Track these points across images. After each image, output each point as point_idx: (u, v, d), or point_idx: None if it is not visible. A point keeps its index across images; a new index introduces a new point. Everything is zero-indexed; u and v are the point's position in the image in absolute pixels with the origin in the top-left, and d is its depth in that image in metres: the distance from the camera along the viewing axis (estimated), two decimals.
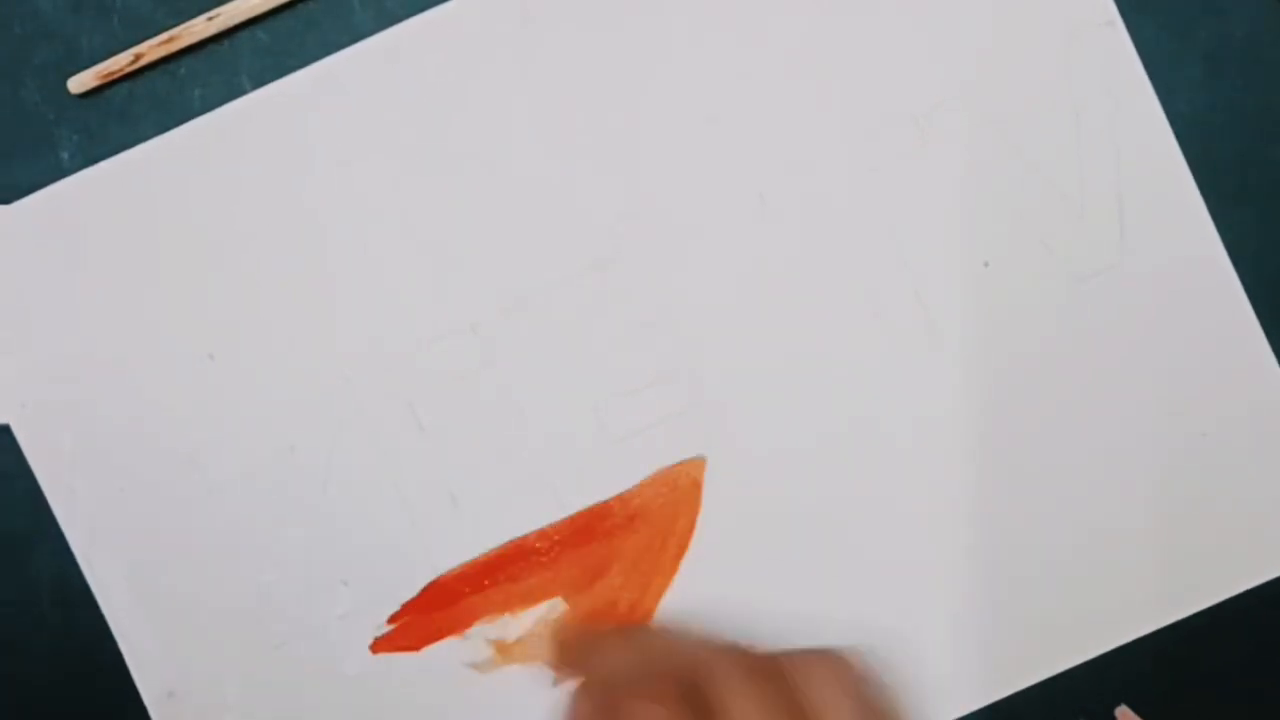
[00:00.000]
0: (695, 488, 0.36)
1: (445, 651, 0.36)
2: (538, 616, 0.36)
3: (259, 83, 0.36)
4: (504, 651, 0.36)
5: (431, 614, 0.36)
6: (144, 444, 0.36)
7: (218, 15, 0.35)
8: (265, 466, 0.36)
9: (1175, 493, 0.35)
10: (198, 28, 0.35)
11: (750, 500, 0.36)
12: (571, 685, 0.33)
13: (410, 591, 0.36)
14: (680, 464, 0.36)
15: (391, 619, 0.36)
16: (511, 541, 0.36)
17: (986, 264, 0.36)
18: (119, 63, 0.35)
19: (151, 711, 0.36)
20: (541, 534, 0.36)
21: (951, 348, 0.36)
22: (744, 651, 0.30)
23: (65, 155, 0.36)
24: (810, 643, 0.35)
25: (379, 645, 0.36)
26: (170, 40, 0.35)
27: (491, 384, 0.36)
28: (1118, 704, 0.36)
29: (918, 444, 0.36)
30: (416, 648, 0.36)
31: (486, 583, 0.36)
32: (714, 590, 0.35)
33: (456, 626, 0.36)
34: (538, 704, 0.36)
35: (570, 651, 0.35)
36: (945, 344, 0.36)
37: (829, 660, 0.29)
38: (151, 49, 0.35)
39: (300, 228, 0.36)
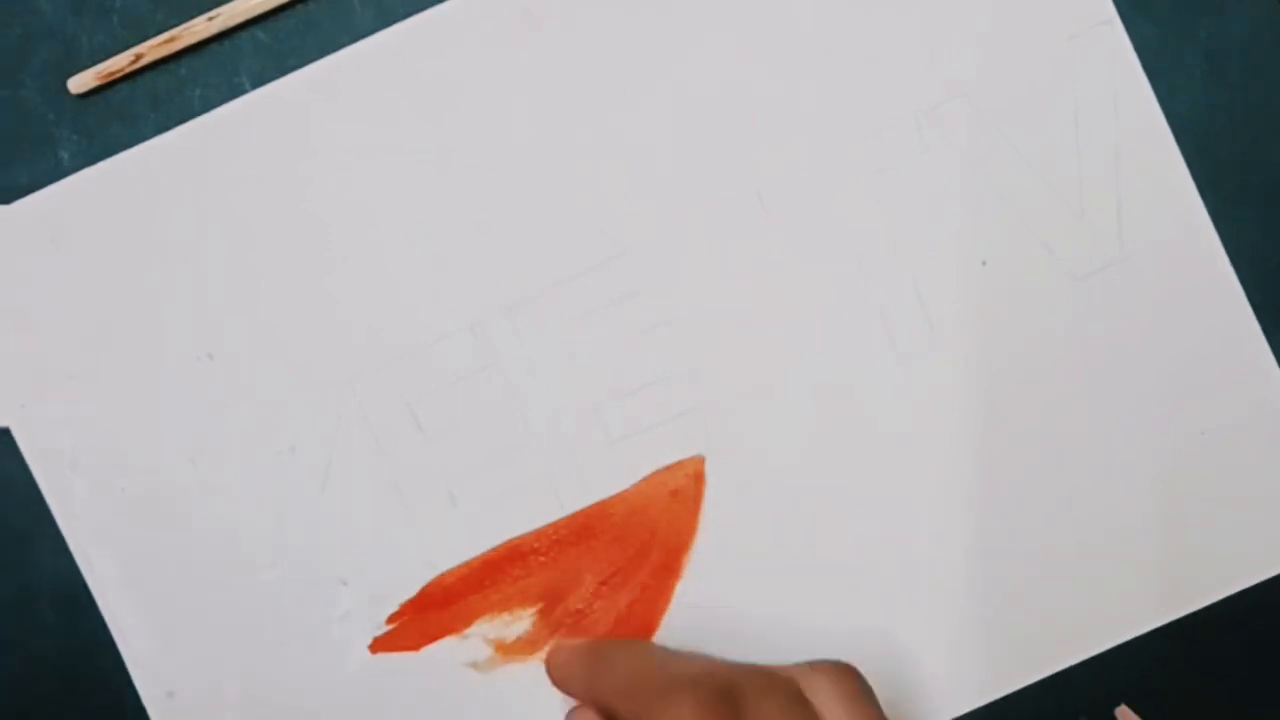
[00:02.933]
0: (696, 486, 0.36)
1: (445, 651, 0.36)
2: (537, 616, 0.36)
3: (259, 83, 0.36)
4: (504, 651, 0.36)
5: (431, 614, 0.36)
6: (144, 444, 0.36)
7: (218, 15, 0.35)
8: (265, 466, 0.36)
9: (1174, 491, 0.35)
10: (198, 28, 0.35)
11: (750, 499, 0.36)
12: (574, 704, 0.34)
13: (410, 591, 0.36)
14: (680, 463, 0.36)
15: (391, 619, 0.36)
16: (511, 541, 0.36)
17: (984, 263, 0.36)
18: (119, 63, 0.35)
19: (150, 711, 0.36)
20: (541, 533, 0.36)
21: (951, 346, 0.36)
22: (753, 666, 0.31)
23: (65, 155, 0.36)
24: (811, 642, 0.35)
25: (379, 645, 0.36)
26: (170, 40, 0.35)
27: (491, 384, 0.36)
28: (1118, 704, 0.36)
29: (917, 443, 0.36)
30: (416, 648, 0.36)
31: (486, 583, 0.36)
32: (715, 589, 0.35)
33: (456, 626, 0.36)
34: (538, 704, 0.36)
35: (574, 667, 0.35)
36: (945, 343, 0.36)
37: (832, 673, 0.30)
38: (151, 49, 0.35)
39: (300, 228, 0.36)
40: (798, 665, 0.31)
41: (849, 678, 0.31)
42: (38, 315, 0.36)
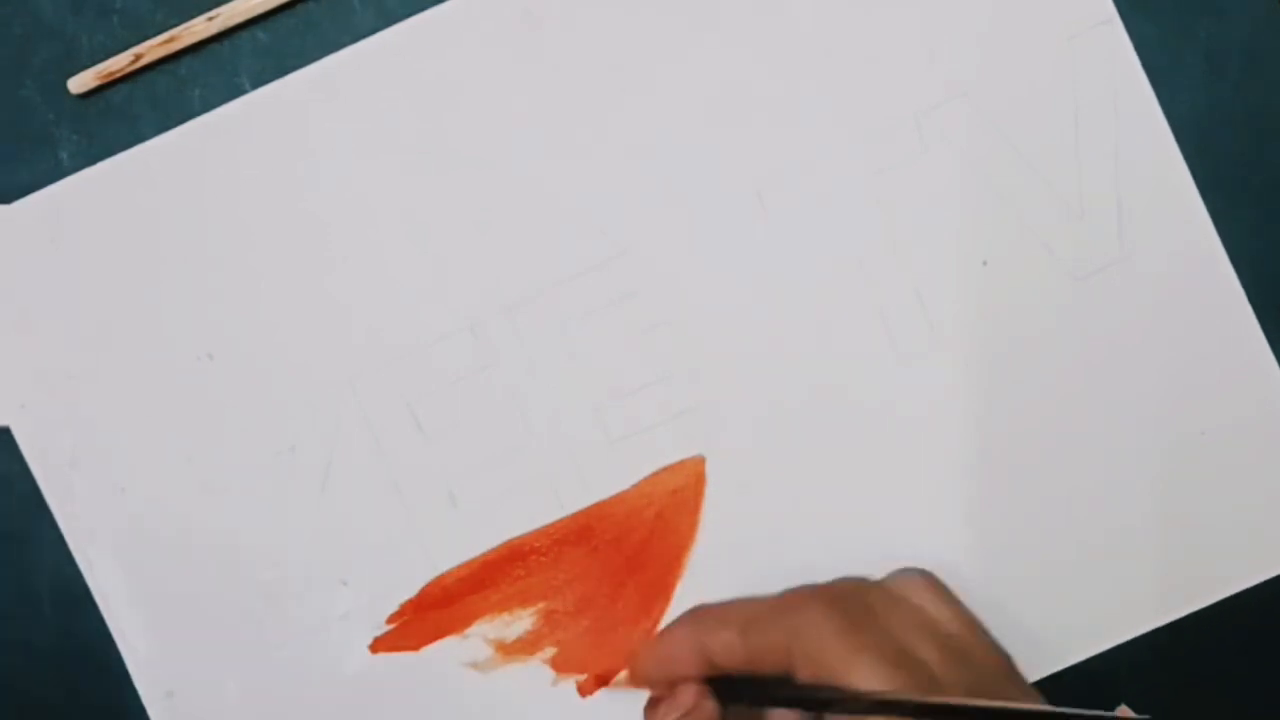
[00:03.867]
0: (696, 486, 0.36)
1: (445, 651, 0.36)
2: (537, 616, 0.36)
3: (259, 83, 0.36)
4: (504, 651, 0.36)
5: (431, 614, 0.36)
6: (144, 444, 0.36)
7: (218, 15, 0.35)
8: (265, 466, 0.36)
9: (1174, 491, 0.35)
10: (198, 28, 0.35)
11: (750, 499, 0.36)
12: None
13: (410, 591, 0.36)
14: (680, 463, 0.36)
15: (391, 619, 0.36)
16: (511, 541, 0.36)
17: (985, 263, 0.36)
18: (119, 63, 0.35)
19: (150, 712, 0.35)
20: (541, 533, 0.36)
21: (951, 346, 0.36)
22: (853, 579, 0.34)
23: (65, 155, 0.36)
24: None
25: (379, 645, 0.36)
26: (170, 40, 0.35)
27: (491, 384, 0.36)
28: (1118, 704, 0.36)
29: (917, 443, 0.36)
30: (416, 648, 0.36)
31: (486, 583, 0.36)
32: (715, 589, 0.35)
33: (456, 626, 0.36)
34: (538, 704, 0.36)
35: (675, 637, 0.33)
36: (945, 343, 0.36)
37: (920, 579, 0.33)
38: (151, 49, 0.35)
39: (300, 228, 0.36)
40: (885, 578, 0.34)
41: (935, 580, 0.33)
42: (38, 315, 0.36)
